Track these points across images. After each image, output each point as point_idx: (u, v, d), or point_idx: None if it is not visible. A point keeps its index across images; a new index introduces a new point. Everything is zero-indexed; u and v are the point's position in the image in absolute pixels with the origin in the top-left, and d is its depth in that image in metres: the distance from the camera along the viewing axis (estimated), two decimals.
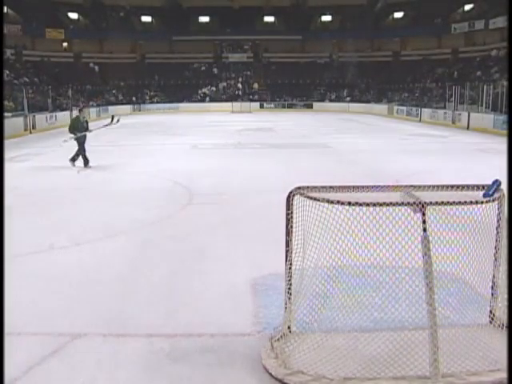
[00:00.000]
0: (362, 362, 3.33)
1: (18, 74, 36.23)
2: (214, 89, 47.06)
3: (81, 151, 12.35)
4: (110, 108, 39.32)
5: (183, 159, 13.99)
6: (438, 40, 45.40)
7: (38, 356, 3.54)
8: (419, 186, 3.65)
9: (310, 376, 3.20)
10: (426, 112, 30.42)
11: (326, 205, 3.25)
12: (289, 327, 3.66)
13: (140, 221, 7.23)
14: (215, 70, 49.47)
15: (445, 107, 27.84)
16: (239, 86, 47.89)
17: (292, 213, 3.51)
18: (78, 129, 12.27)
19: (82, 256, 5.75)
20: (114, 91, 44.92)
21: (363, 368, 3.27)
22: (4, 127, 17.23)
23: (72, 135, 12.33)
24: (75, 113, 30.49)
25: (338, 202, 3.15)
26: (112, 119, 13.43)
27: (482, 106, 25.39)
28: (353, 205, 3.15)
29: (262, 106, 44.44)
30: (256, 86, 47.68)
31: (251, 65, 50.56)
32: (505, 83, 23.96)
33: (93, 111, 35.39)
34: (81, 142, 12.33)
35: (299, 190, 3.48)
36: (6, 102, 25.58)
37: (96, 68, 46.36)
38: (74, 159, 12.40)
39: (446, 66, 41.52)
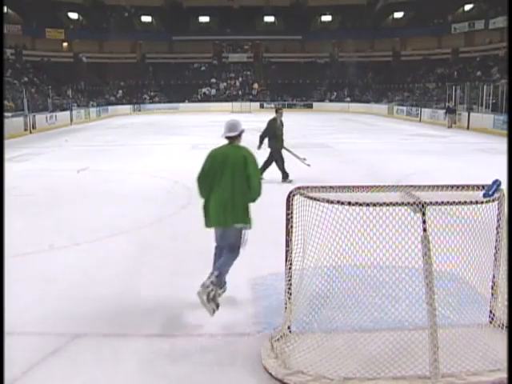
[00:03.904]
0: (362, 362, 3.33)
1: (18, 73, 36.22)
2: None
3: (279, 163, 10.02)
4: (110, 108, 39.34)
5: (183, 159, 13.97)
6: (438, 40, 45.40)
7: (38, 356, 3.54)
8: (419, 186, 3.65)
9: (310, 376, 3.20)
10: (426, 112, 30.42)
11: (326, 205, 3.26)
12: (289, 327, 3.66)
13: (140, 221, 7.22)
14: (215, 70, 49.47)
15: (445, 107, 27.84)
16: (239, 85, 47.93)
17: (292, 213, 3.51)
18: (274, 133, 10.00)
19: (82, 256, 5.75)
20: (114, 91, 44.94)
21: (363, 368, 3.26)
22: (4, 127, 17.24)
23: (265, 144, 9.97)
24: (75, 113, 30.15)
25: (338, 201, 3.15)
26: (304, 160, 10.61)
27: (481, 105, 25.40)
28: (353, 205, 3.15)
29: (262, 106, 44.40)
30: (256, 86, 47.67)
31: (251, 65, 50.56)
32: (504, 81, 23.95)
33: (93, 111, 35.42)
34: (276, 151, 10.01)
35: (299, 190, 3.48)
36: (6, 102, 25.59)
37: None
38: (284, 176, 10.02)
39: (446, 66, 41.51)
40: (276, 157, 10.00)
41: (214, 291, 4.05)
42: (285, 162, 10.12)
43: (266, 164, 9.92)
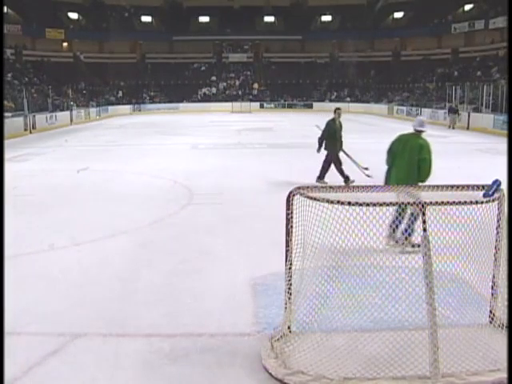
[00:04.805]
0: (362, 362, 3.33)
1: (18, 73, 36.21)
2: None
3: (337, 166, 9.42)
4: (110, 108, 39.33)
5: (183, 159, 13.98)
6: (438, 40, 45.39)
7: (38, 356, 3.54)
8: (419, 186, 3.65)
9: (309, 376, 3.20)
10: (426, 112, 30.41)
11: (326, 205, 3.25)
12: (289, 327, 3.66)
13: (140, 221, 7.22)
14: (215, 70, 49.48)
15: (445, 107, 27.84)
16: (238, 85, 47.93)
17: (292, 213, 3.51)
18: (333, 135, 9.41)
19: (82, 256, 5.74)
20: (114, 91, 44.94)
21: (363, 368, 3.26)
22: (4, 127, 17.24)
23: (321, 148, 9.43)
24: (75, 113, 30.02)
25: (338, 201, 3.15)
26: (365, 169, 9.79)
27: (482, 105, 25.40)
28: (353, 205, 3.15)
29: (261, 106, 44.42)
30: (256, 86, 47.66)
31: (251, 65, 50.57)
32: (504, 81, 23.93)
33: (93, 111, 35.42)
34: (335, 154, 9.37)
35: (299, 190, 3.48)
36: (5, 102, 25.59)
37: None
38: (321, 177, 9.46)
39: (446, 66, 41.50)
40: (333, 160, 9.35)
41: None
42: (342, 163, 9.38)
43: (324, 169, 9.41)
